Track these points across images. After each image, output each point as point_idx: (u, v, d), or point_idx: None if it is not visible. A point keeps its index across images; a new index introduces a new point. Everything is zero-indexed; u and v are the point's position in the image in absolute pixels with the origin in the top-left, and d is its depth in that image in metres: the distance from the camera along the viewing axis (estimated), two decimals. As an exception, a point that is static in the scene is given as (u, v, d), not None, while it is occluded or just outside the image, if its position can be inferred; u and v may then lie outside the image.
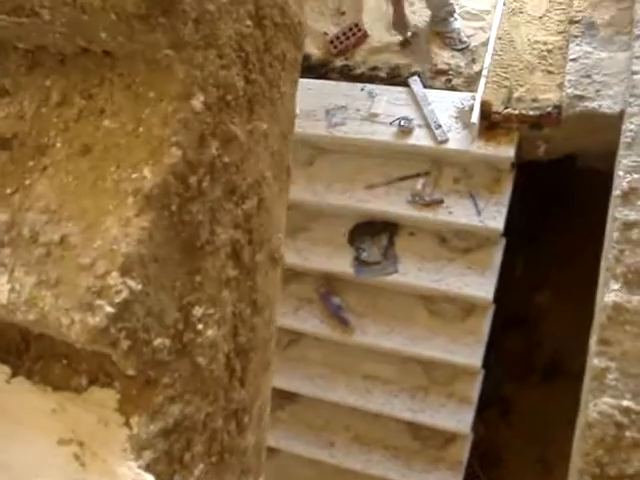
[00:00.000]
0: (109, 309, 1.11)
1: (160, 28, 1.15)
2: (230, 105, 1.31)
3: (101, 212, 1.22)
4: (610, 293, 2.57)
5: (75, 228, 1.23)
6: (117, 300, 1.13)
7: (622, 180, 2.94)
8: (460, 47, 4.33)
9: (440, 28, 4.30)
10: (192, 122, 1.23)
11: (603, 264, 2.89)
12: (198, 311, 1.29)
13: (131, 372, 1.15)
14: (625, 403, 2.36)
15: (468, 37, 4.27)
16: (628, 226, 2.76)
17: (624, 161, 3.02)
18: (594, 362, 2.44)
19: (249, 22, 1.32)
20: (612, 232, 2.77)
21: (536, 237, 4.75)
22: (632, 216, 2.79)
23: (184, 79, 1.22)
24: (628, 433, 2.29)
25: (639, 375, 2.40)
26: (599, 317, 2.56)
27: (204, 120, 1.25)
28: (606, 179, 3.22)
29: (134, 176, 1.17)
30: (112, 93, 1.30)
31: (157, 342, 1.22)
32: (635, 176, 2.94)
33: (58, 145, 1.32)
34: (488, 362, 4.00)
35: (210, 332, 1.32)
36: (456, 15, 4.27)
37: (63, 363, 1.22)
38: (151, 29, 1.14)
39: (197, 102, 1.23)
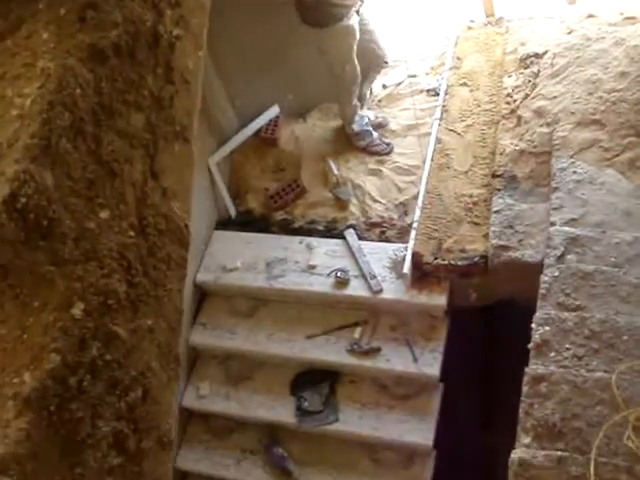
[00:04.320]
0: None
1: (41, 249, 1.31)
2: (112, 308, 1.46)
3: (-16, 414, 1.34)
4: (517, 449, 2.67)
5: (-42, 429, 1.34)
6: (-7, 500, 1.22)
7: (535, 333, 3.09)
8: (389, 149, 4.61)
9: (363, 141, 4.59)
10: (72, 329, 1.37)
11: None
12: (78, 503, 1.39)
13: None
14: None
15: (400, 190, 4.51)
16: (537, 380, 2.89)
17: (537, 313, 3.19)
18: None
19: (132, 233, 1.50)
20: (523, 386, 2.89)
21: (480, 378, 4.83)
22: (540, 370, 2.93)
23: (64, 291, 1.37)
24: None
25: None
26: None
27: (85, 325, 1.39)
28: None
29: (15, 380, 1.30)
30: (3, 302, 1.44)
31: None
32: (547, 328, 3.10)
33: (-50, 349, 1.44)
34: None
35: (92, 522, 1.41)
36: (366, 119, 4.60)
37: None
38: (33, 250, 1.30)
39: (77, 310, 1.38)
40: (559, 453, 2.67)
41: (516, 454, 2.67)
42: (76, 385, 1.34)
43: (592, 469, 2.56)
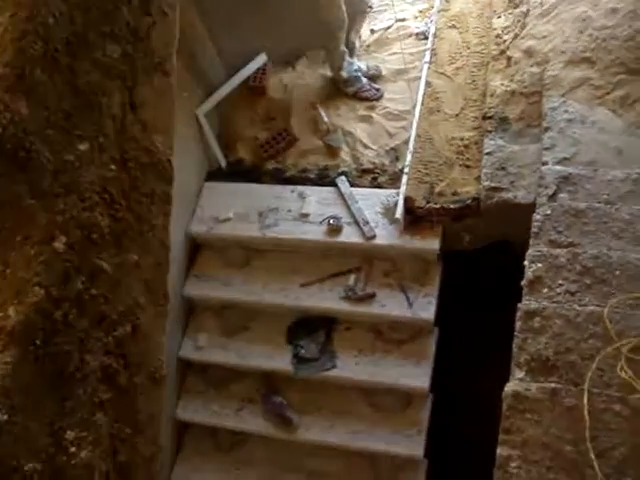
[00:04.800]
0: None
1: (19, 182, 1.30)
2: (95, 242, 1.45)
3: (-30, 349, 1.33)
4: (511, 382, 2.69)
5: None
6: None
7: (528, 270, 3.10)
8: (379, 95, 4.57)
9: (352, 88, 4.55)
10: (55, 262, 1.36)
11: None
12: (70, 435, 1.39)
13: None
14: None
15: (391, 135, 4.48)
16: (530, 315, 2.90)
17: (530, 251, 3.19)
18: (497, 451, 2.53)
19: (113, 166, 1.47)
20: (516, 322, 2.90)
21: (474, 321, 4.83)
22: (533, 305, 2.94)
23: (46, 224, 1.36)
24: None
25: (540, 461, 2.50)
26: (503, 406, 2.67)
27: (68, 259, 1.39)
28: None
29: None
30: (-15, 238, 1.43)
31: (27, 467, 1.31)
32: (539, 265, 3.10)
33: None
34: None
35: (84, 453, 1.41)
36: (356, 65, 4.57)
37: None
38: (11, 183, 1.29)
39: (59, 244, 1.37)
40: (553, 385, 2.69)
41: (509, 387, 2.69)
42: (61, 319, 1.34)
43: (585, 400, 2.59)
